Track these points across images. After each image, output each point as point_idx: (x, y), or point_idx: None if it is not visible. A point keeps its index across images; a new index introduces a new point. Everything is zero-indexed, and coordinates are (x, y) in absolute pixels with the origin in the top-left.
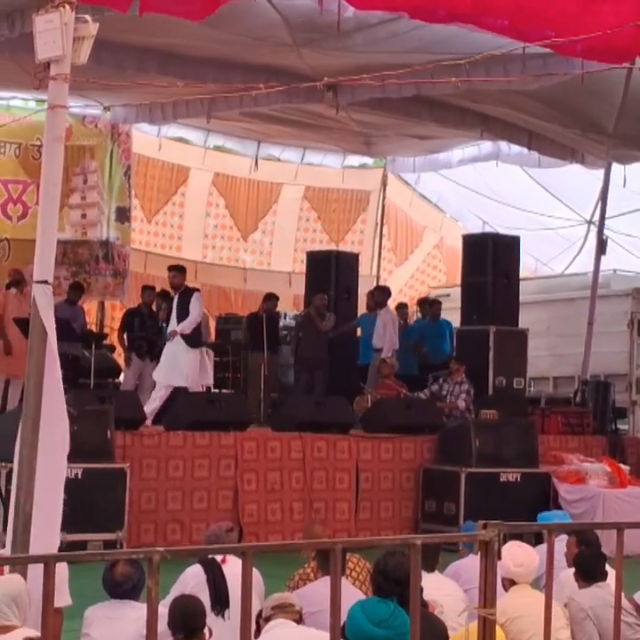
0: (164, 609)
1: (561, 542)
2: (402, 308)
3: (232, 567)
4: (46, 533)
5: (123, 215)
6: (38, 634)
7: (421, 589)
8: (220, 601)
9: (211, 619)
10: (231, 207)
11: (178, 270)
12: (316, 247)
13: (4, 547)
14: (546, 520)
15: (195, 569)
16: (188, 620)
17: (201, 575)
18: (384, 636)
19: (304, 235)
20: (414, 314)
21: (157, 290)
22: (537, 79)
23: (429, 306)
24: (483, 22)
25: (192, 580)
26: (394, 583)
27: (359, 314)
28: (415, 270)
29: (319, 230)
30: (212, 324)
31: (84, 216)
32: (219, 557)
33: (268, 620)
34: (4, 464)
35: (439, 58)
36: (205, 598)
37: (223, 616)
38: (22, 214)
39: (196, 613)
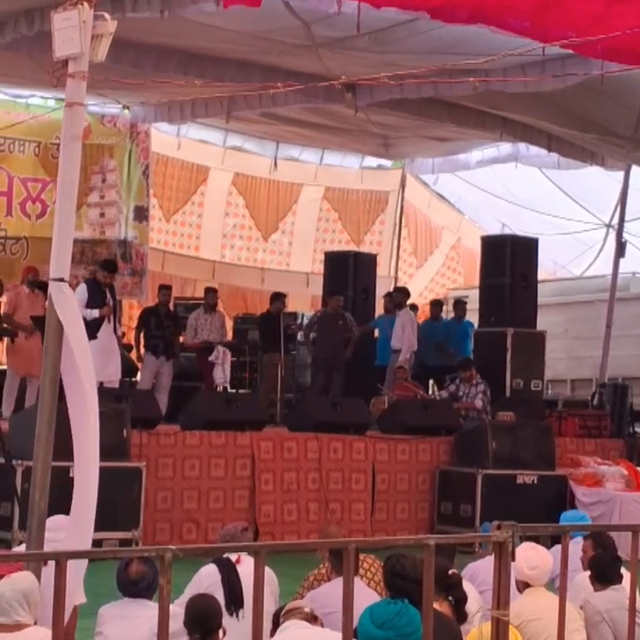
0: (178, 609)
1: (576, 545)
2: (412, 309)
3: (247, 567)
4: (82, 534)
5: (141, 214)
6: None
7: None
8: (235, 601)
9: (225, 618)
10: (251, 207)
11: (111, 269)
12: (335, 248)
13: (20, 544)
14: (568, 520)
15: (209, 569)
16: (204, 620)
17: (215, 575)
18: (384, 638)
19: (323, 235)
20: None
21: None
22: (556, 80)
23: (454, 307)
24: (504, 23)
25: (206, 580)
26: (414, 583)
27: (377, 315)
28: (435, 274)
29: (338, 231)
30: (230, 324)
31: (102, 215)
32: (233, 557)
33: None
34: (20, 462)
35: (458, 59)
36: (220, 598)
37: (237, 616)
38: (41, 213)
39: (213, 613)
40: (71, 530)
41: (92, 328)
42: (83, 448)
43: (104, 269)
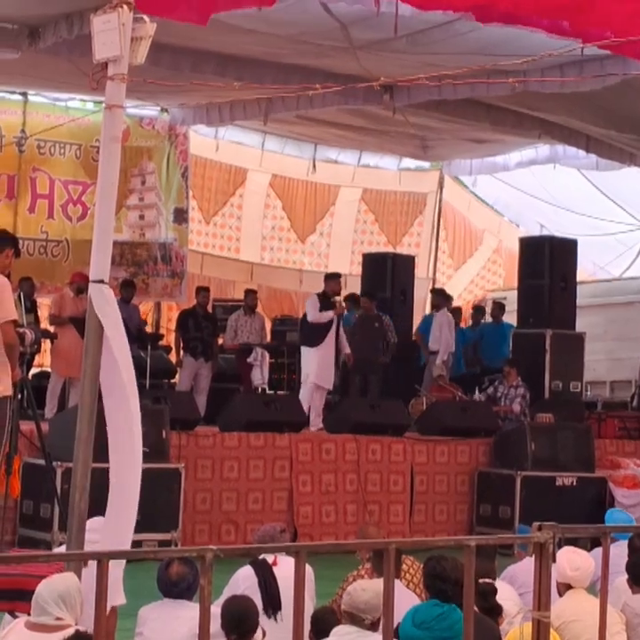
0: (216, 609)
1: (618, 547)
2: (455, 312)
3: (283, 569)
4: (119, 535)
5: (180, 216)
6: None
7: (496, 592)
8: (272, 603)
9: (263, 621)
10: (288, 209)
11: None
12: (373, 250)
13: (60, 545)
14: (611, 520)
15: (246, 571)
16: (240, 621)
17: (252, 577)
18: (418, 637)
19: (361, 237)
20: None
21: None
22: (595, 80)
23: (492, 308)
24: (542, 23)
25: (243, 583)
26: (454, 585)
27: (414, 316)
28: (475, 276)
29: (376, 232)
30: (268, 326)
31: (141, 217)
32: (270, 559)
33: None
34: (59, 463)
35: (497, 60)
36: (257, 600)
37: (275, 618)
38: (82, 215)
39: (249, 614)
40: (109, 530)
41: (320, 335)
42: (124, 448)
43: (331, 279)
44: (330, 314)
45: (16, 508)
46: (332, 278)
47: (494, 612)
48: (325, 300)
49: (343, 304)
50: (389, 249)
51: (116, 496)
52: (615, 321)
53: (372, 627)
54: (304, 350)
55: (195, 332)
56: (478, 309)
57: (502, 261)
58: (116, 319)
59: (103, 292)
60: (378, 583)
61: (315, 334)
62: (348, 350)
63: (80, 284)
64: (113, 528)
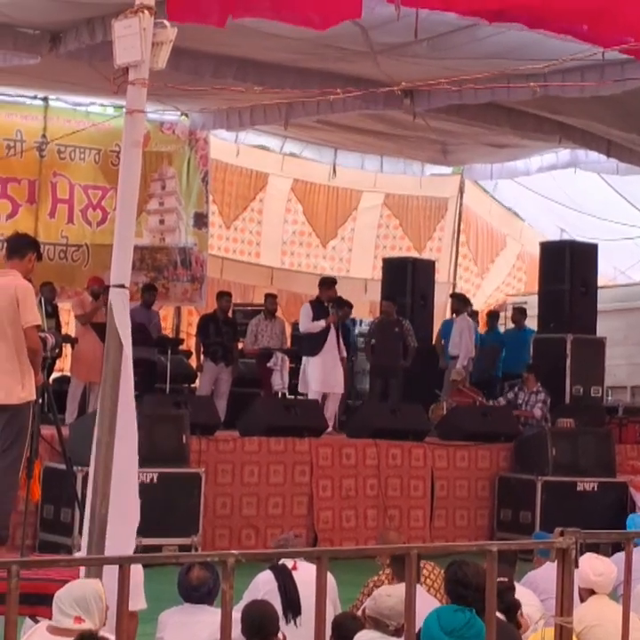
0: (236, 614)
1: (638, 553)
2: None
3: (303, 573)
4: (122, 538)
5: (200, 221)
6: (111, 637)
7: (513, 589)
8: (292, 608)
9: (282, 625)
10: (309, 214)
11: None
12: (396, 254)
13: (81, 550)
14: (634, 525)
15: (266, 576)
16: (261, 626)
17: (272, 582)
18: None
19: (383, 242)
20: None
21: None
22: (616, 84)
23: (513, 314)
24: (562, 27)
25: (263, 587)
26: (475, 591)
27: (435, 321)
28: (501, 283)
29: (399, 237)
30: (289, 330)
31: (162, 222)
32: (289, 564)
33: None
34: (80, 468)
35: (517, 64)
36: (277, 605)
37: (295, 623)
38: (101, 220)
39: (269, 618)
40: (114, 532)
41: (317, 343)
42: (123, 451)
43: (325, 286)
44: (321, 323)
45: (37, 512)
46: (327, 284)
47: (512, 609)
48: (320, 307)
49: (334, 311)
50: (413, 254)
51: (117, 499)
52: (636, 326)
53: (397, 633)
54: (305, 359)
55: (215, 337)
56: (493, 316)
57: (525, 266)
58: (126, 325)
59: (123, 298)
60: (403, 589)
61: (312, 343)
62: (343, 354)
63: (94, 288)
64: (117, 532)
